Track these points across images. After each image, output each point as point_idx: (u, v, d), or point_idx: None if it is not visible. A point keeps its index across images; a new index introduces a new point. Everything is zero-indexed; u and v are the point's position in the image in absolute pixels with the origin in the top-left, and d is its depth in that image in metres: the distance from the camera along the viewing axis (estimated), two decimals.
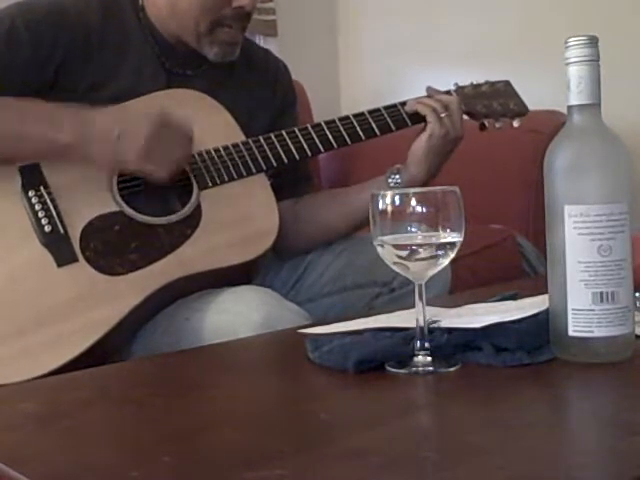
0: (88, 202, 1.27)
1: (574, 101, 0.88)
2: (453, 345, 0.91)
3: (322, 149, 1.42)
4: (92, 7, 1.35)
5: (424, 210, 0.86)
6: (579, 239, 0.85)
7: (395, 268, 0.89)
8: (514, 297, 1.10)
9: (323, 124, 1.42)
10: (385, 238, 0.87)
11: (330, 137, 1.42)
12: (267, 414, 0.79)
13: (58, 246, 1.24)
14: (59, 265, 1.23)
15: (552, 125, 1.90)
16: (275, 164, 1.39)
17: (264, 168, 1.38)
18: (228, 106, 1.40)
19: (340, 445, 0.69)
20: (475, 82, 1.52)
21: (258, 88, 1.50)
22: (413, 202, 0.86)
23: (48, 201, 1.25)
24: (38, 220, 1.24)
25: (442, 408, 0.81)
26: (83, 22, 1.33)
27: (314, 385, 0.91)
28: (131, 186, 1.31)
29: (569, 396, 0.85)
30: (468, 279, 1.78)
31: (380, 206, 0.87)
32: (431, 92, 1.45)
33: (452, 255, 0.87)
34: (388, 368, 0.88)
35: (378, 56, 2.84)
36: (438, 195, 0.86)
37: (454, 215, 0.86)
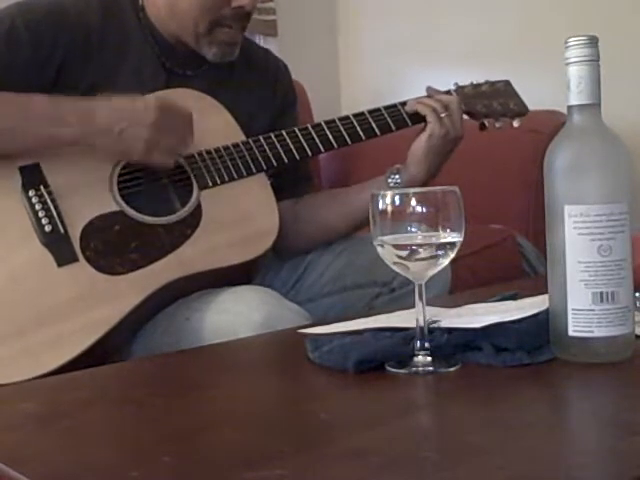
0: (88, 202, 1.27)
1: (574, 101, 0.88)
2: (453, 345, 0.91)
3: (322, 149, 1.42)
4: (92, 7, 1.36)
5: (424, 210, 0.86)
6: (579, 239, 0.85)
7: (395, 268, 0.89)
8: (514, 297, 1.10)
9: (323, 124, 1.42)
10: (385, 238, 0.87)
11: (330, 137, 1.42)
12: (267, 414, 0.79)
13: (58, 246, 1.24)
14: (59, 265, 1.23)
15: (552, 125, 1.90)
16: (275, 164, 1.39)
17: (264, 168, 1.38)
18: (228, 106, 1.40)
19: (340, 445, 0.69)
20: (475, 82, 1.52)
21: (258, 88, 1.50)
22: (413, 202, 0.86)
23: (48, 201, 1.25)
24: (38, 220, 1.24)
25: (442, 408, 0.81)
26: (83, 22, 1.33)
27: (314, 385, 0.91)
28: (131, 186, 1.31)
29: (569, 396, 0.85)
30: (468, 279, 1.78)
31: (380, 206, 0.87)
32: (431, 92, 1.45)
33: (452, 255, 0.87)
34: (388, 368, 0.88)
35: (378, 56, 2.84)
36: (438, 195, 0.86)
37: (454, 215, 0.86)
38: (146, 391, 0.88)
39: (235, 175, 1.35)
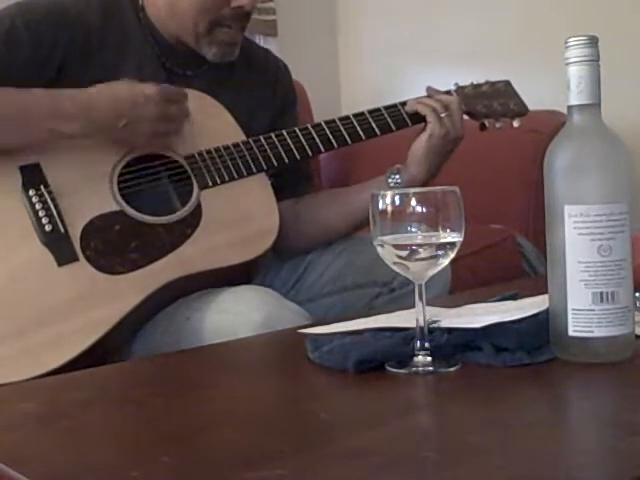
0: (88, 201, 1.27)
1: (574, 101, 0.88)
2: (453, 345, 0.91)
3: (322, 149, 1.42)
4: (92, 7, 1.36)
5: (424, 210, 0.86)
6: (579, 239, 0.85)
7: (395, 268, 0.89)
8: (514, 297, 1.10)
9: (323, 124, 1.42)
10: (385, 238, 0.87)
11: (330, 137, 1.42)
12: (267, 414, 0.79)
13: (58, 245, 1.24)
14: (59, 264, 1.23)
15: (552, 125, 1.90)
16: (276, 164, 1.39)
17: (264, 168, 1.38)
18: (228, 106, 1.40)
19: (340, 445, 0.69)
20: (475, 82, 1.52)
21: (258, 88, 1.50)
22: (413, 202, 0.86)
23: (48, 200, 1.25)
24: (38, 219, 1.24)
25: (442, 408, 0.81)
26: (83, 22, 1.33)
27: (314, 385, 0.91)
28: (132, 185, 1.31)
29: (569, 396, 0.85)
30: (468, 279, 1.78)
31: (380, 206, 0.87)
32: (431, 92, 1.45)
33: (452, 255, 0.87)
34: (388, 368, 0.88)
35: (378, 56, 2.84)
36: (438, 195, 0.86)
37: (454, 215, 0.86)
38: (146, 391, 0.88)
39: (235, 175, 1.35)
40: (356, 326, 1.01)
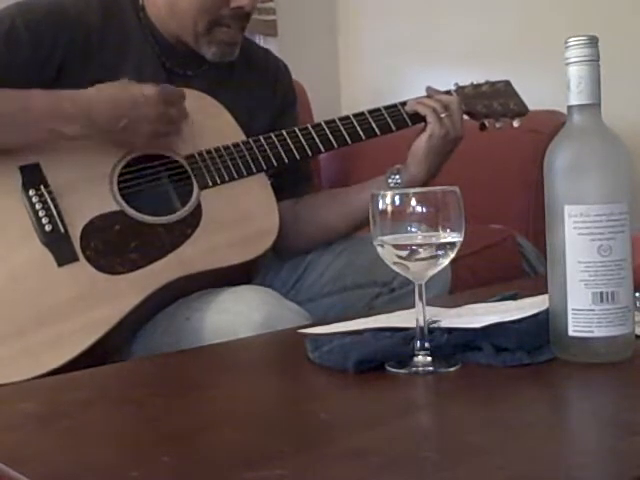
0: (88, 201, 1.27)
1: (574, 101, 0.88)
2: (453, 345, 0.91)
3: (322, 149, 1.42)
4: (92, 7, 1.36)
5: (424, 210, 0.86)
6: (579, 239, 0.85)
7: (395, 268, 0.89)
8: (514, 297, 1.10)
9: (323, 124, 1.42)
10: (385, 238, 0.87)
11: (330, 137, 1.42)
12: (267, 414, 0.79)
13: (58, 245, 1.24)
14: (59, 264, 1.23)
15: (552, 125, 1.90)
16: (275, 164, 1.39)
17: (264, 168, 1.38)
18: (228, 106, 1.40)
19: (340, 445, 0.69)
20: (475, 82, 1.52)
21: (258, 88, 1.50)
22: (413, 202, 0.86)
23: (48, 200, 1.25)
24: (38, 219, 1.24)
25: (442, 408, 0.81)
26: (83, 22, 1.33)
27: (314, 385, 0.91)
28: (132, 185, 1.31)
29: (569, 396, 0.85)
30: (468, 279, 1.78)
31: (380, 206, 0.87)
32: (431, 92, 1.45)
33: (452, 255, 0.87)
34: (388, 368, 0.88)
35: (378, 56, 2.84)
36: (438, 195, 0.86)
37: (454, 215, 0.86)
38: (146, 391, 0.88)
39: (235, 175, 1.35)
40: (356, 326, 1.01)
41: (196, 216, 1.31)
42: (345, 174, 2.41)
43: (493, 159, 2.17)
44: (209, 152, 1.35)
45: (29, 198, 1.25)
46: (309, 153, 1.41)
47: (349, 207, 1.45)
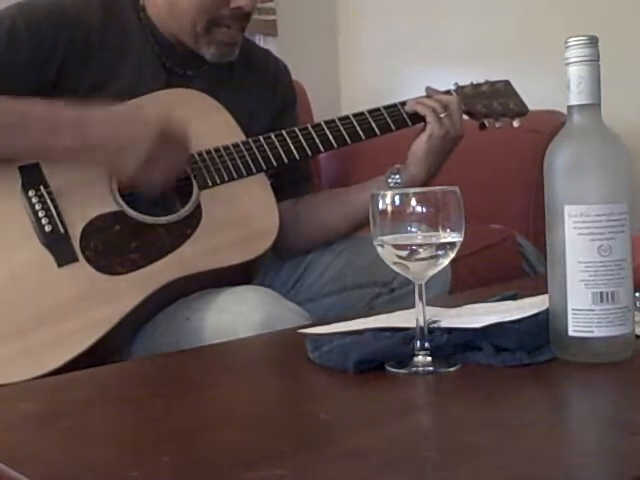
0: (88, 202, 1.27)
1: (574, 101, 0.88)
2: (453, 345, 0.91)
3: (322, 149, 1.42)
4: (92, 7, 1.35)
5: (424, 210, 0.86)
6: (579, 239, 0.85)
7: (395, 268, 0.89)
8: (514, 297, 1.10)
9: (323, 124, 1.42)
10: (385, 238, 0.87)
11: (330, 137, 1.42)
12: (267, 414, 0.79)
13: (58, 246, 1.24)
14: (59, 265, 1.23)
15: (552, 125, 1.90)
16: (275, 164, 1.39)
17: (264, 168, 1.38)
18: (228, 106, 1.40)
19: (340, 445, 0.69)
20: (475, 82, 1.52)
21: (258, 88, 1.50)
22: (413, 202, 0.86)
23: (48, 201, 1.25)
24: (38, 220, 1.24)
25: (442, 408, 0.81)
26: (83, 22, 1.33)
27: (314, 385, 0.91)
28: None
29: (569, 396, 0.85)
30: (468, 279, 1.78)
31: (380, 206, 0.87)
32: (431, 92, 1.45)
33: (452, 255, 0.87)
34: (388, 368, 0.88)
35: (378, 56, 2.84)
36: (438, 195, 0.86)
37: (454, 215, 0.86)
38: (146, 391, 0.88)
39: (235, 175, 1.35)
40: (356, 326, 1.01)
41: (196, 216, 1.31)
42: (345, 174, 2.41)
43: (493, 159, 2.17)
44: (209, 152, 1.35)
45: (29, 199, 1.25)
46: (309, 153, 1.41)
47: (349, 207, 1.45)
